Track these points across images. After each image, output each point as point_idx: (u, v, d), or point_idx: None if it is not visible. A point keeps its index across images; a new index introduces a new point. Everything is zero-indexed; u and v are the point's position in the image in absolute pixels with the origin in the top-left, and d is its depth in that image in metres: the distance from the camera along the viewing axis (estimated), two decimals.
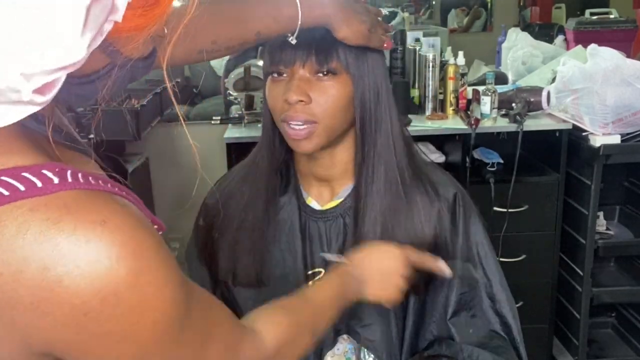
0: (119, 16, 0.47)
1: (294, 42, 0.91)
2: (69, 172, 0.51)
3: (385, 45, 0.98)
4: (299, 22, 0.89)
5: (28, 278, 0.47)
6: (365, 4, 0.98)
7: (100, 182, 0.53)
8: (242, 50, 0.99)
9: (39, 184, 0.49)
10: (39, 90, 0.45)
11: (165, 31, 0.54)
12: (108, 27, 0.47)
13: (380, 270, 0.92)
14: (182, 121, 0.60)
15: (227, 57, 2.63)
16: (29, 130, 0.53)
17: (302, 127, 0.95)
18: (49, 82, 0.45)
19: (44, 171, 0.50)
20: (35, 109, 0.46)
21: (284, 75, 0.96)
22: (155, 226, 0.59)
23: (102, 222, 0.49)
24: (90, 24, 0.45)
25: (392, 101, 1.01)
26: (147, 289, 0.51)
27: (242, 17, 0.90)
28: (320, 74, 0.94)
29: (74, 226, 0.48)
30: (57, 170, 0.50)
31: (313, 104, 0.94)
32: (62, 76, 0.46)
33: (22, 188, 0.48)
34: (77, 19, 0.44)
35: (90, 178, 0.52)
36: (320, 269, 1.05)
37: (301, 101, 0.93)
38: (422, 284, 1.03)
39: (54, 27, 0.43)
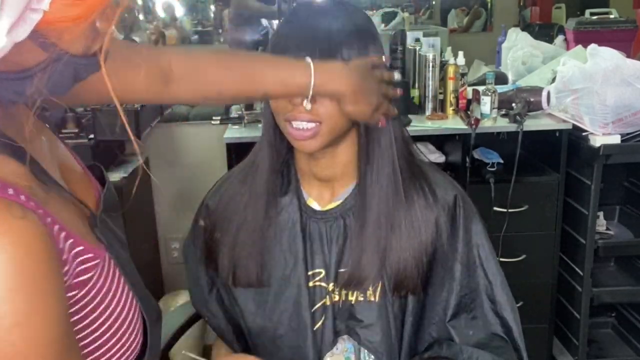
0: (45, 4, 0.44)
1: (308, 107, 0.90)
2: None
3: (379, 124, 0.97)
4: (310, 93, 0.87)
5: None
6: (383, 67, 0.96)
7: (10, 190, 0.49)
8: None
9: None
10: None
11: (113, 29, 0.51)
12: (35, 16, 0.45)
13: None
14: (138, 151, 0.58)
15: None
16: None
17: (306, 127, 0.95)
18: None
19: None
20: None
21: None
22: (90, 254, 0.56)
23: None
24: (7, 8, 0.42)
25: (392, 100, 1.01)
26: (10, 318, 0.46)
27: (252, 76, 0.87)
28: None
29: None
30: None
31: (317, 104, 0.94)
32: None
33: None
34: None
35: None
36: (321, 270, 1.05)
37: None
38: (420, 285, 1.03)
39: None
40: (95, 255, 0.59)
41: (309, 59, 0.87)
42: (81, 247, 0.58)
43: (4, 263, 0.45)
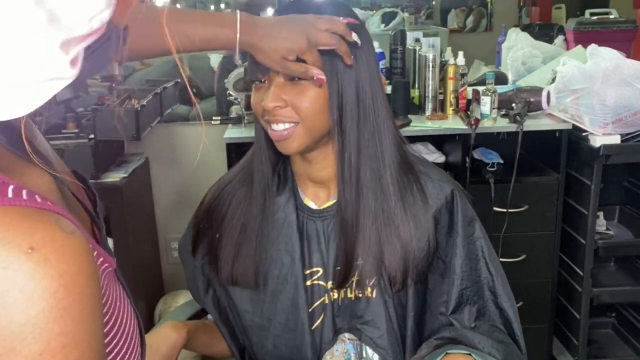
0: None
1: (238, 62, 0.98)
2: (10, 188, 0.45)
3: (314, 78, 0.95)
4: (237, 48, 0.91)
5: None
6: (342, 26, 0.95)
7: (48, 202, 0.47)
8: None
9: None
10: (72, 62, 0.42)
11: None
12: None
13: None
14: None
15: (222, 56, 2.62)
16: None
17: (283, 128, 0.97)
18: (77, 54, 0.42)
19: None
20: (66, 82, 0.43)
21: (264, 81, 0.99)
22: (106, 264, 0.54)
23: (30, 248, 0.42)
24: None
25: (380, 97, 1.01)
26: (57, 339, 0.43)
27: (180, 29, 0.93)
28: (296, 78, 0.96)
29: None
30: None
31: (290, 106, 0.96)
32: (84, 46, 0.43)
33: None
34: None
35: (36, 196, 0.46)
36: (319, 268, 1.05)
37: (277, 106, 0.96)
38: (418, 279, 1.03)
39: None
40: (109, 264, 0.56)
41: (238, 14, 0.91)
42: (102, 258, 0.55)
43: (56, 282, 0.43)
